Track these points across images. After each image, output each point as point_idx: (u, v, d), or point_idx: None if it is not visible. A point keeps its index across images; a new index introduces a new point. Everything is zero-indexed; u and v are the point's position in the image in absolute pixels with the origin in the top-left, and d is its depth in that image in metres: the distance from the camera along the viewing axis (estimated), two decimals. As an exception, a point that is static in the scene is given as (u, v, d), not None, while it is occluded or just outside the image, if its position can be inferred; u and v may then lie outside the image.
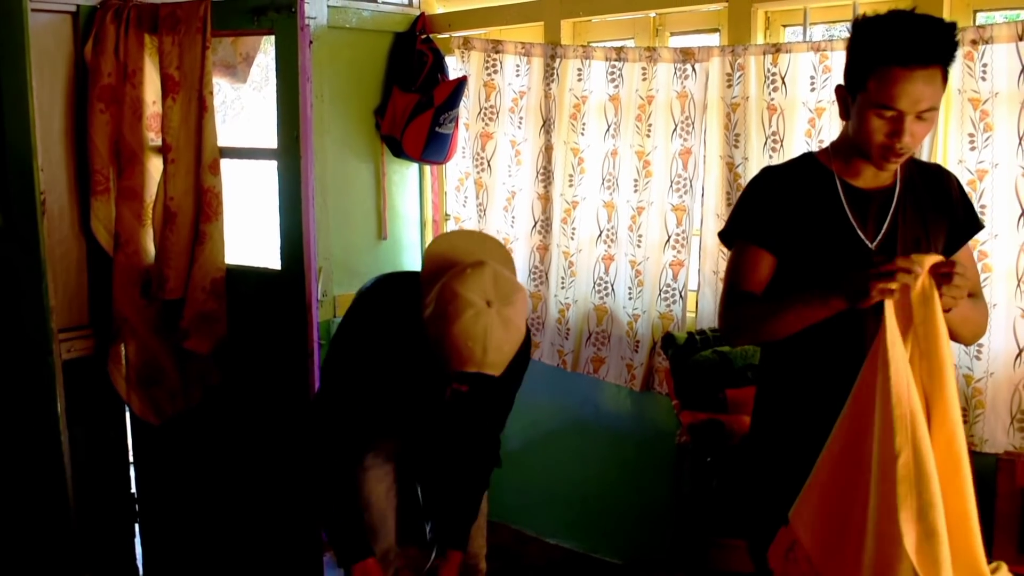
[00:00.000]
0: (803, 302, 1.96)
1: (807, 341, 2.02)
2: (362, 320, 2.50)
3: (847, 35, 2.21)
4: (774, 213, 2.10)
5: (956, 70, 2.77)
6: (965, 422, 2.82)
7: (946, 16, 2.84)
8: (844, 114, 2.07)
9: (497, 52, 3.77)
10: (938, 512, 1.75)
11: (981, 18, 2.90)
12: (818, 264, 2.06)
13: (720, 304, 2.18)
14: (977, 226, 2.20)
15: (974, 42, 2.73)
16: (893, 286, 1.77)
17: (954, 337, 1.97)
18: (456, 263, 2.33)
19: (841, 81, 2.06)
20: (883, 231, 2.10)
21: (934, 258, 1.83)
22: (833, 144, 2.17)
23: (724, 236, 2.22)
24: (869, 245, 2.06)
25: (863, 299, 1.81)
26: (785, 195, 2.11)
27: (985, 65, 2.73)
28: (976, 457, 2.79)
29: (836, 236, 2.06)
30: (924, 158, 2.79)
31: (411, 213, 4.29)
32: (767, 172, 2.22)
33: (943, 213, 2.13)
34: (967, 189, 2.76)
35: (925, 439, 1.77)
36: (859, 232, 2.08)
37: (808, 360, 2.09)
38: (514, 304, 2.24)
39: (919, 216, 2.10)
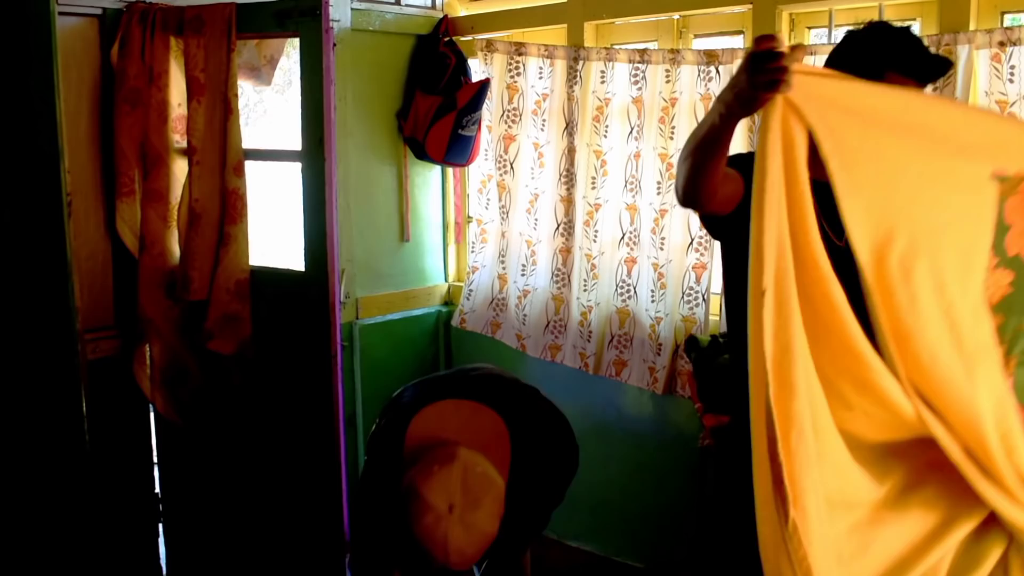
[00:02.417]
0: (708, 116, 1.89)
1: None
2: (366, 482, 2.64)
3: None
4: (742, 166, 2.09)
5: (983, 72, 2.75)
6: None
7: (972, 18, 2.82)
8: None
9: (520, 54, 3.77)
10: (794, 330, 1.66)
11: (1008, 20, 2.87)
12: None
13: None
14: None
15: (1001, 44, 2.71)
16: (784, 65, 1.60)
17: None
18: (437, 443, 2.33)
19: None
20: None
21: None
22: None
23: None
24: (837, 242, 2.06)
25: (751, 84, 1.65)
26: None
27: (1012, 67, 2.70)
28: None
29: None
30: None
31: (433, 215, 4.30)
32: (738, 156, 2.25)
33: None
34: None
35: (790, 278, 1.68)
36: (827, 229, 2.11)
37: None
38: (481, 507, 2.22)
39: None
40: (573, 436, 2.74)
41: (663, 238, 3.46)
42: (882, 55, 2.05)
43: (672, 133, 3.40)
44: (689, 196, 2.09)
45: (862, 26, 2.19)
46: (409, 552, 2.25)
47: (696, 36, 3.55)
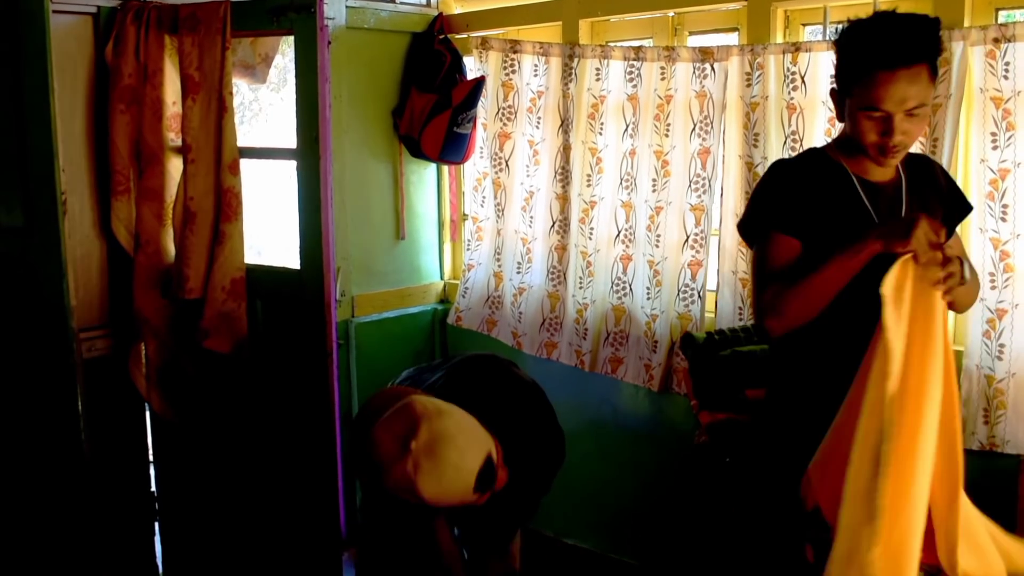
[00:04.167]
0: (841, 252, 1.98)
1: (824, 322, 2.05)
2: None
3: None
4: (796, 203, 2.13)
5: (978, 68, 2.76)
6: (986, 423, 2.81)
7: (967, 15, 2.83)
8: (840, 116, 2.15)
9: (515, 52, 3.77)
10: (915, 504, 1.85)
11: (1003, 16, 2.88)
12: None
13: (753, 295, 2.19)
14: (967, 208, 2.34)
15: (996, 40, 2.71)
16: (932, 238, 1.88)
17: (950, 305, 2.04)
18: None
19: (834, 84, 2.13)
20: None
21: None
22: (837, 141, 2.23)
23: (746, 228, 2.23)
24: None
25: (901, 240, 1.89)
26: (803, 187, 2.15)
27: (1007, 63, 2.71)
28: (997, 458, 2.78)
29: (857, 229, 2.08)
30: (946, 157, 2.78)
31: (429, 213, 4.30)
32: (781, 165, 2.26)
33: (937, 202, 2.24)
34: (988, 188, 2.77)
35: (914, 426, 1.86)
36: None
37: (823, 337, 2.12)
38: (446, 438, 2.13)
39: (922, 207, 2.16)
40: (554, 419, 2.65)
41: (658, 235, 3.46)
42: (849, 56, 2.06)
43: (667, 130, 3.40)
44: (782, 321, 2.09)
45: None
46: (391, 504, 2.23)
47: (691, 33, 3.54)
